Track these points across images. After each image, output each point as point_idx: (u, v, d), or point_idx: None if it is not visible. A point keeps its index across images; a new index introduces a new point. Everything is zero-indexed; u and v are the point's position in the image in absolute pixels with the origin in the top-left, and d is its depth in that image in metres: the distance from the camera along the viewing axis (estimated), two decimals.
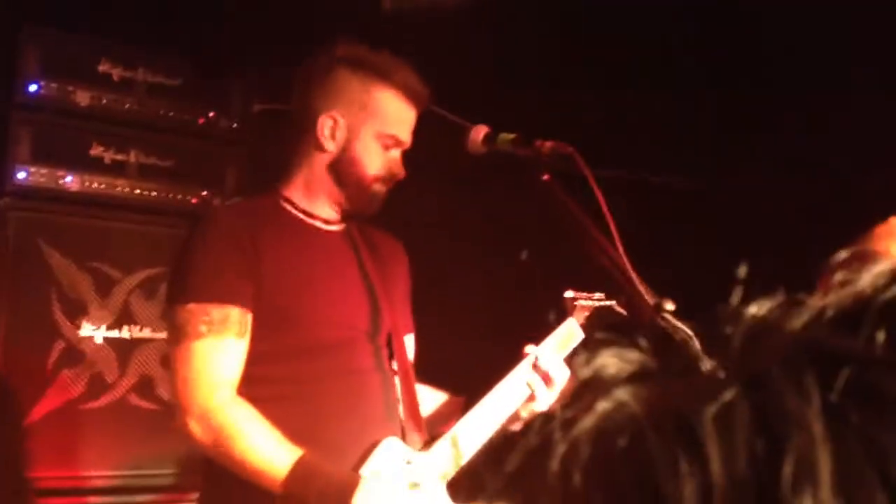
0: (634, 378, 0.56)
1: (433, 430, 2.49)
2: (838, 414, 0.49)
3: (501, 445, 2.45)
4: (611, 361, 0.57)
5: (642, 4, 3.77)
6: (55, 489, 3.33)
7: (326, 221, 2.53)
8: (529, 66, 3.89)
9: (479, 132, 2.35)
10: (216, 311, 2.27)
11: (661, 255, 2.60)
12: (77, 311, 3.46)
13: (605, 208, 2.08)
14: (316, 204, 2.50)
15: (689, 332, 1.90)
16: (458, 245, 3.89)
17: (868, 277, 0.56)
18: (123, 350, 3.53)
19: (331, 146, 2.47)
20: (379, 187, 2.48)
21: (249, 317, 2.31)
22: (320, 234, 2.50)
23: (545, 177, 2.23)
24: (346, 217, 2.55)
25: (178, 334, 2.28)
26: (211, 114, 3.80)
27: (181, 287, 2.32)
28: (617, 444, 0.51)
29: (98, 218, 3.57)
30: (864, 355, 0.50)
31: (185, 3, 3.80)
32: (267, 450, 2.19)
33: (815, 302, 0.55)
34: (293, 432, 2.21)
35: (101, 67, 3.63)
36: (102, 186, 3.58)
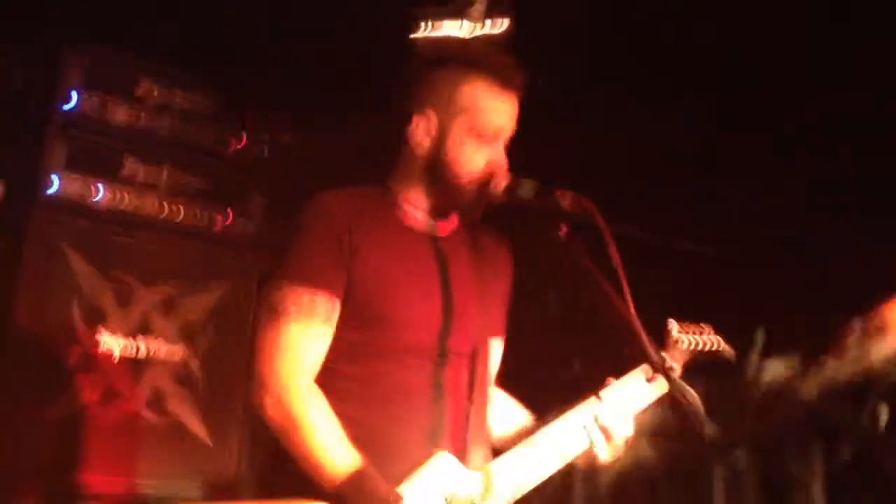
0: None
1: (510, 445, 2.45)
2: (838, 484, 0.55)
3: None
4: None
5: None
6: (50, 495, 3.38)
7: (429, 221, 2.50)
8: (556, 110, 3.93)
9: (500, 182, 2.36)
10: (306, 295, 2.31)
11: (676, 314, 2.63)
12: (96, 319, 3.54)
13: (618, 263, 2.12)
14: (418, 202, 2.48)
15: (694, 394, 1.94)
16: None
17: (879, 352, 0.62)
18: (138, 363, 3.61)
19: (425, 146, 2.42)
20: (478, 184, 2.38)
21: (337, 306, 2.35)
22: (416, 235, 2.47)
23: (563, 230, 2.27)
24: (449, 215, 2.50)
25: (270, 312, 2.33)
26: (242, 140, 3.89)
27: (280, 267, 2.38)
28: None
29: (125, 232, 3.66)
30: (867, 433, 0.56)
31: (222, 32, 3.89)
32: (330, 449, 2.23)
33: (828, 370, 0.61)
34: (354, 433, 2.26)
35: (140, 87, 3.73)
36: (132, 202, 3.66)
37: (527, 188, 2.34)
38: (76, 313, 3.50)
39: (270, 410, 2.29)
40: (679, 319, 2.76)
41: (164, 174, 3.75)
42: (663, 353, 2.63)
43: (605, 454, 2.50)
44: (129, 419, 3.55)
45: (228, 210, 3.86)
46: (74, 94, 3.59)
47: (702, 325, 2.73)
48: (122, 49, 3.75)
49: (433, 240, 2.51)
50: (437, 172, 2.42)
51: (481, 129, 2.39)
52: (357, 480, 2.22)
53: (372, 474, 2.24)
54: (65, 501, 3.39)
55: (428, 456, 2.34)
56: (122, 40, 3.72)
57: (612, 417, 2.47)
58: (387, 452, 2.30)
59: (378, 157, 2.59)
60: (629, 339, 2.13)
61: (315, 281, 2.33)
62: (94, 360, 3.50)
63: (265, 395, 2.30)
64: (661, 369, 2.09)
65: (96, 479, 3.43)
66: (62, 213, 3.55)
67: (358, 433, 2.28)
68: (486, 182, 2.38)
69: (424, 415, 2.38)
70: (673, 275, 3.40)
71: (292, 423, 2.27)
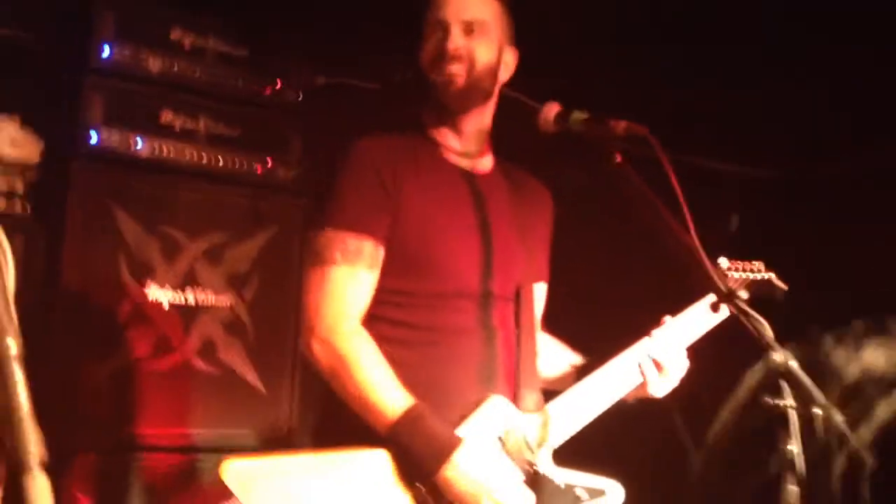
0: None
1: (562, 387, 2.49)
2: None
3: None
4: (879, 356, 0.58)
5: None
6: (112, 447, 3.41)
7: (466, 157, 2.53)
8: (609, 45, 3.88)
9: (551, 110, 2.35)
10: (351, 241, 2.33)
11: (734, 246, 2.60)
12: (144, 274, 3.53)
13: (678, 191, 2.09)
14: (447, 134, 2.52)
15: (761, 318, 1.91)
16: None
17: None
18: (188, 314, 3.61)
19: (424, 65, 2.51)
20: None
21: (382, 251, 2.35)
22: (455, 176, 2.50)
23: (618, 157, 2.24)
24: (480, 143, 2.56)
25: (315, 258, 2.36)
26: (277, 85, 3.85)
27: (324, 213, 2.38)
28: None
29: (166, 184, 3.63)
30: None
31: None
32: (383, 389, 2.24)
33: None
34: (406, 377, 2.26)
35: (173, 35, 3.69)
36: (171, 153, 3.63)
37: (578, 116, 2.31)
38: (123, 267, 3.49)
39: (319, 354, 2.30)
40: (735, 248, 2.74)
41: (202, 122, 3.72)
42: (727, 279, 2.62)
43: (659, 389, 2.50)
44: (181, 370, 3.56)
45: (267, 157, 3.83)
46: (107, 46, 3.54)
47: (752, 262, 2.72)
48: None
49: (472, 180, 2.51)
50: (430, 84, 2.48)
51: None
52: (413, 421, 2.21)
53: (428, 415, 2.23)
54: (122, 453, 3.42)
55: (482, 397, 2.34)
56: None
57: (666, 352, 2.47)
58: (440, 394, 2.31)
59: (414, 98, 2.58)
60: (691, 268, 2.10)
61: (359, 226, 2.34)
62: (143, 313, 3.51)
63: (313, 339, 2.31)
64: (728, 295, 2.06)
65: (152, 430, 3.46)
66: (103, 167, 3.53)
67: (409, 376, 2.28)
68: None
69: (475, 356, 2.39)
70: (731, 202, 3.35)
71: (342, 365, 2.27)
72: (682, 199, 2.08)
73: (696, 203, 2.08)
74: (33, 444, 1.30)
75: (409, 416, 2.22)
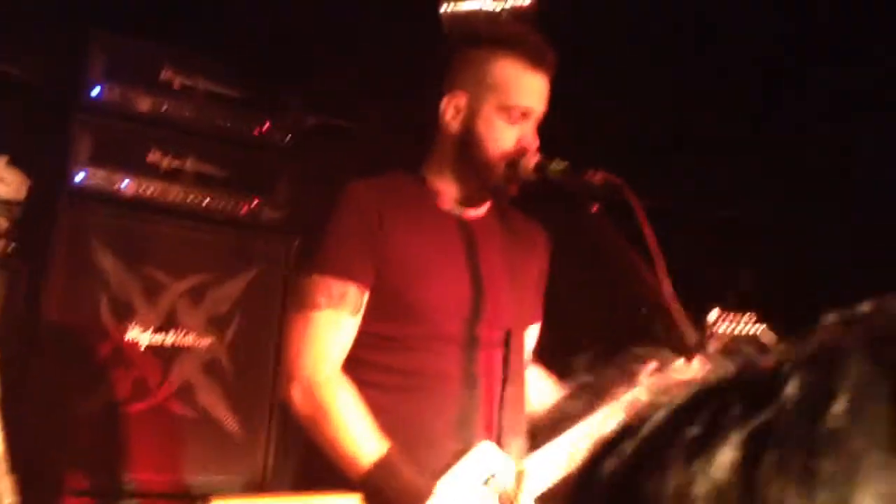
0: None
1: (547, 425, 2.45)
2: None
3: None
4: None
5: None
6: (89, 491, 3.37)
7: (461, 205, 2.47)
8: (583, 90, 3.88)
9: (531, 160, 2.35)
10: (336, 286, 2.30)
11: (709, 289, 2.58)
12: (125, 314, 3.51)
13: (652, 241, 2.08)
14: (450, 186, 2.46)
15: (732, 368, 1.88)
16: None
17: None
18: (167, 355, 3.58)
19: (455, 127, 2.40)
20: (507, 162, 2.36)
21: (366, 296, 2.33)
22: (447, 222, 2.46)
23: (594, 208, 2.23)
24: (483, 199, 2.49)
25: (298, 303, 2.34)
26: (266, 125, 3.84)
27: (310, 257, 2.37)
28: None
29: (151, 222, 3.62)
30: None
31: (246, 17, 3.86)
32: (355, 437, 2.21)
33: None
34: (384, 423, 2.23)
35: (163, 74, 3.69)
36: (157, 192, 3.63)
37: (557, 167, 2.31)
38: (104, 307, 3.47)
39: (298, 401, 2.30)
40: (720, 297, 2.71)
41: (188, 162, 3.71)
42: (702, 332, 2.59)
43: None
44: (159, 412, 3.52)
45: (254, 197, 3.81)
46: (97, 86, 3.55)
47: (747, 313, 2.70)
48: (143, 36, 3.71)
49: (464, 225, 2.48)
50: (467, 153, 2.40)
51: (511, 108, 2.36)
52: (386, 471, 2.20)
53: (401, 466, 2.21)
54: (105, 497, 3.38)
55: (460, 445, 2.32)
56: (143, 28, 3.68)
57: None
58: (417, 441, 2.29)
59: (408, 142, 2.57)
60: (664, 319, 2.09)
61: (345, 272, 2.33)
62: (123, 354, 3.48)
63: (293, 386, 2.30)
64: (697, 348, 2.04)
65: (131, 475, 3.41)
66: (88, 205, 3.52)
67: (387, 422, 2.27)
68: (515, 161, 2.35)
69: (456, 403, 2.37)
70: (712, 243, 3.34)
71: (320, 414, 2.26)
72: (655, 248, 2.06)
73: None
74: (6, 494, 1.27)
75: (381, 465, 2.20)
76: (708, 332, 2.57)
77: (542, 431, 2.48)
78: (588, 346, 2.26)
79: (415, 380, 2.35)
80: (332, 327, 2.30)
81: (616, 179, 2.18)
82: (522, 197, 2.43)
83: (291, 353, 2.33)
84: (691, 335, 2.02)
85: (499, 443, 2.37)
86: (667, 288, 2.06)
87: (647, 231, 2.07)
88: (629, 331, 2.14)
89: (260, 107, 3.85)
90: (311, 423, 2.27)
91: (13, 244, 3.43)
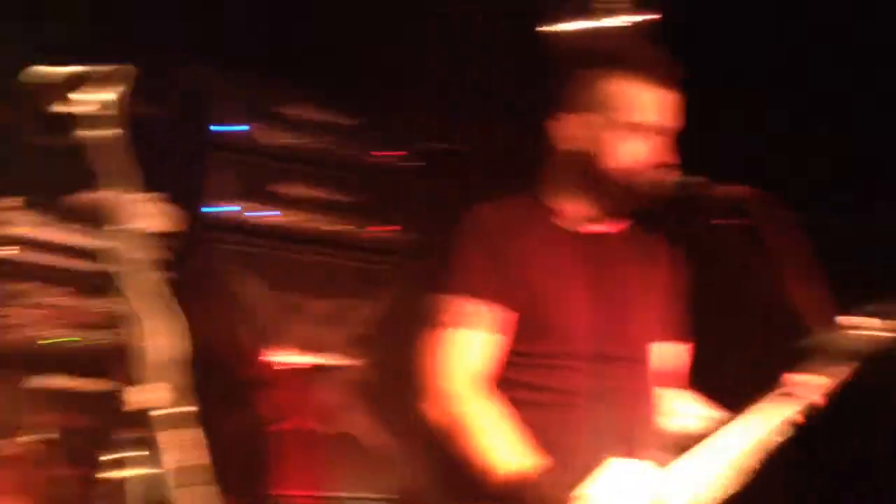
0: None
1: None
2: None
3: None
4: None
5: None
6: None
7: (584, 222, 2.48)
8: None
9: (669, 175, 2.35)
10: (468, 305, 2.36)
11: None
12: (265, 337, 3.64)
13: (790, 252, 2.08)
14: (571, 205, 2.48)
15: None
16: None
17: None
18: (308, 376, 3.70)
19: (576, 147, 2.42)
20: (639, 179, 2.36)
21: (500, 313, 2.38)
22: (571, 241, 2.48)
23: (730, 222, 2.24)
24: (606, 215, 2.49)
25: (431, 323, 2.41)
26: (392, 151, 3.96)
27: (441, 279, 2.43)
28: None
29: (285, 249, 3.76)
30: None
31: (360, 48, 3.96)
32: (492, 448, 2.26)
33: None
34: (530, 437, 2.28)
35: (289, 108, 3.84)
36: (292, 219, 3.77)
37: (692, 182, 2.31)
38: (247, 331, 3.60)
39: (433, 416, 2.35)
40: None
41: (321, 189, 3.84)
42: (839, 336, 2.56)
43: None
44: (302, 432, 3.63)
45: (387, 221, 3.94)
46: (227, 124, 3.72)
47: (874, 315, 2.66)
48: (267, 72, 3.85)
49: (587, 242, 2.50)
50: (592, 173, 2.41)
51: (636, 126, 2.37)
52: (524, 482, 2.24)
53: (538, 477, 2.25)
54: None
55: (592, 460, 2.34)
56: (268, 64, 3.83)
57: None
58: (558, 457, 2.31)
59: (528, 164, 2.60)
60: (804, 328, 2.10)
61: (474, 291, 2.38)
62: (264, 376, 3.59)
63: (424, 402, 2.36)
64: (840, 356, 2.05)
65: (277, 490, 3.52)
66: (222, 236, 3.67)
67: (534, 438, 2.30)
68: (651, 177, 2.36)
69: (587, 418, 2.39)
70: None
71: (455, 426, 2.31)
72: (794, 259, 2.07)
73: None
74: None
75: (519, 475, 2.24)
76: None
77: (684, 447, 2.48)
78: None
79: (545, 395, 2.38)
80: (463, 345, 2.36)
81: (747, 192, 2.19)
82: (652, 211, 2.45)
83: (425, 371, 2.39)
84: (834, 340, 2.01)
85: (632, 458, 2.40)
86: (807, 297, 2.06)
87: (785, 242, 2.07)
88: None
89: (385, 134, 3.99)
90: (447, 437, 2.32)
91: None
